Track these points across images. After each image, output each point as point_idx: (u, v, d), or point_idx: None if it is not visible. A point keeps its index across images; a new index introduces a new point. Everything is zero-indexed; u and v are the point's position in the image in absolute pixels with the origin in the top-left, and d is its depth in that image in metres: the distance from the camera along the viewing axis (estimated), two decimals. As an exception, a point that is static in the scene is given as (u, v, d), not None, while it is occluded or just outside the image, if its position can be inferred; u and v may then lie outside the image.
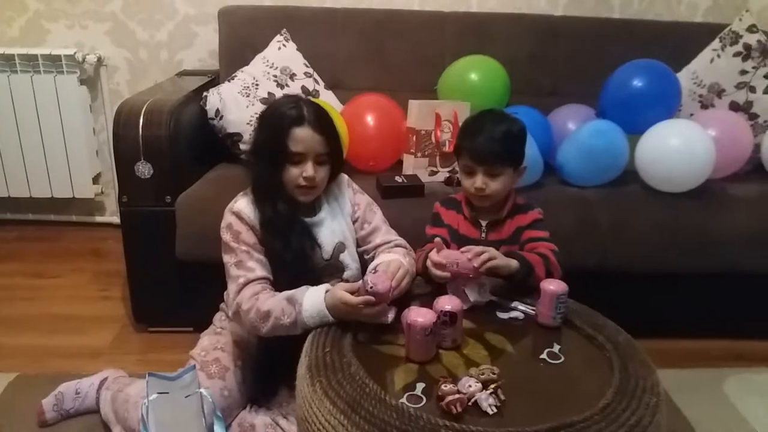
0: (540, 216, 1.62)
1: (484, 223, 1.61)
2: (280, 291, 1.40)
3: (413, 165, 2.09)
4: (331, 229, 1.53)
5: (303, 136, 1.41)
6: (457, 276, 1.40)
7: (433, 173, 2.10)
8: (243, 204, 1.45)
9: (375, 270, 1.38)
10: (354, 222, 1.59)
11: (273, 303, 1.36)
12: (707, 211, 1.94)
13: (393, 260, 1.42)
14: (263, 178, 1.46)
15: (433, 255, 1.43)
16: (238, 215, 1.44)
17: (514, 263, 1.44)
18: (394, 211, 1.84)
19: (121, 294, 2.26)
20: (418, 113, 2.07)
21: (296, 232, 1.47)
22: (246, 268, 1.41)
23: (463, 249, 1.43)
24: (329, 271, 1.52)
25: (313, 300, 1.33)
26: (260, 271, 1.42)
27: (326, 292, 1.34)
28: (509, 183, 1.58)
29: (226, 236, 1.45)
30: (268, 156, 1.44)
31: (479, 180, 1.54)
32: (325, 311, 1.31)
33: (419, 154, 2.09)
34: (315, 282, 1.40)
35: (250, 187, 1.49)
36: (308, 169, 1.43)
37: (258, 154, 1.48)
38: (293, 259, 1.44)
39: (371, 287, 1.26)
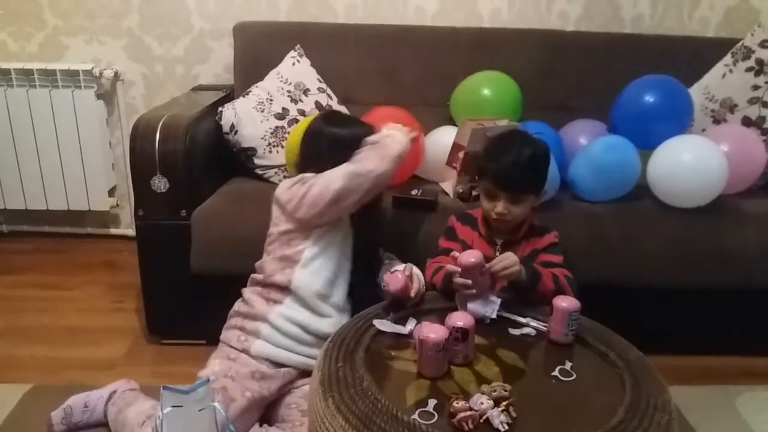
0: (556, 240, 1.63)
1: (499, 242, 1.62)
2: None
3: (454, 180, 2.07)
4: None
5: None
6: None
7: (472, 187, 2.06)
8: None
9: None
10: None
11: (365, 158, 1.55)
12: (719, 226, 1.94)
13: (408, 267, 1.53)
14: None
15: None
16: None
17: (521, 272, 1.47)
18: (406, 224, 1.86)
19: (134, 306, 2.28)
20: (471, 137, 1.99)
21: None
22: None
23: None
24: None
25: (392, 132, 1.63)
26: None
27: None
28: (530, 207, 1.58)
29: (305, 184, 1.53)
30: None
31: (501, 206, 1.55)
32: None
33: (463, 173, 2.05)
34: None
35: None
36: None
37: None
38: None
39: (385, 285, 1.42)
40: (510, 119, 2.12)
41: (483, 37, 2.48)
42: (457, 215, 1.72)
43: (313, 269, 1.56)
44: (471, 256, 1.43)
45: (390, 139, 1.58)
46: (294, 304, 1.55)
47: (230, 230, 1.86)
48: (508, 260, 1.45)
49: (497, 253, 1.60)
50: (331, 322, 1.55)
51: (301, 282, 1.54)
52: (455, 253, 1.47)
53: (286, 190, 1.56)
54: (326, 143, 1.60)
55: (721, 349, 2.05)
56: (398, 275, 1.44)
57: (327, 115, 1.71)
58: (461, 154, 2.05)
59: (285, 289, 1.55)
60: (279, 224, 1.59)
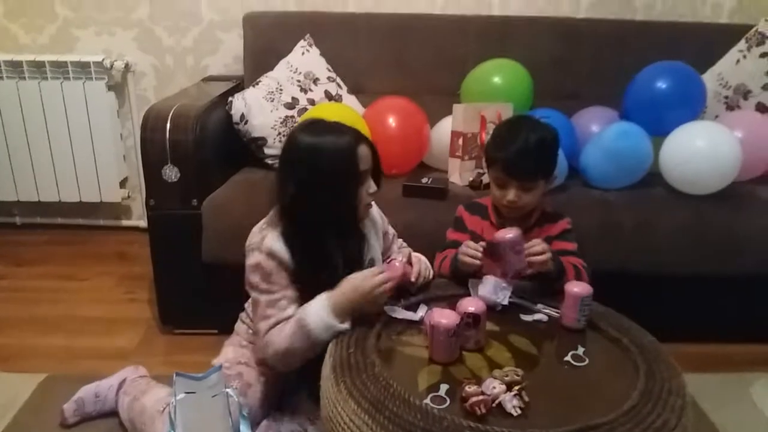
0: (569, 226, 1.62)
1: None
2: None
3: (459, 168, 2.09)
4: (369, 247, 1.54)
5: (365, 153, 1.39)
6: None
7: (480, 175, 2.09)
8: (274, 243, 1.38)
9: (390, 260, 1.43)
10: (383, 235, 1.63)
11: (287, 339, 1.35)
12: (733, 213, 1.92)
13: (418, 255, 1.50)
14: (333, 207, 1.38)
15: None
16: (272, 255, 1.37)
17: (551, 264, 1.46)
18: (415, 213, 1.86)
19: (147, 296, 2.30)
20: (464, 116, 2.06)
21: (355, 260, 1.46)
22: (278, 308, 1.38)
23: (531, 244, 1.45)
24: None
25: (315, 310, 1.33)
26: (291, 310, 1.38)
27: (326, 296, 1.35)
28: (541, 193, 1.57)
29: (254, 278, 1.39)
30: (339, 184, 1.37)
31: (512, 194, 1.54)
32: (329, 315, 1.31)
33: (466, 157, 2.09)
34: None
35: (289, 226, 1.40)
36: (371, 184, 1.43)
37: (321, 188, 1.36)
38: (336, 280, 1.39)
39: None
40: (513, 107, 2.12)
41: (493, 25, 2.46)
42: (465, 205, 1.71)
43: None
44: (509, 232, 1.42)
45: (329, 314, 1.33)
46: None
47: (241, 219, 1.84)
48: (541, 246, 1.45)
49: None
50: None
51: None
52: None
53: (247, 251, 1.43)
54: (299, 155, 1.38)
55: (736, 336, 2.04)
56: (395, 263, 1.40)
57: (306, 124, 1.44)
58: (460, 141, 2.05)
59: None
60: None
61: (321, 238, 1.39)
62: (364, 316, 1.35)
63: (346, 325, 1.32)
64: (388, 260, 1.45)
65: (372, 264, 1.52)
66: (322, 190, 1.36)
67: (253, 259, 1.40)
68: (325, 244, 1.39)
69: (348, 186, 1.38)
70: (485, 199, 1.69)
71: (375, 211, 1.59)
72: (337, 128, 1.40)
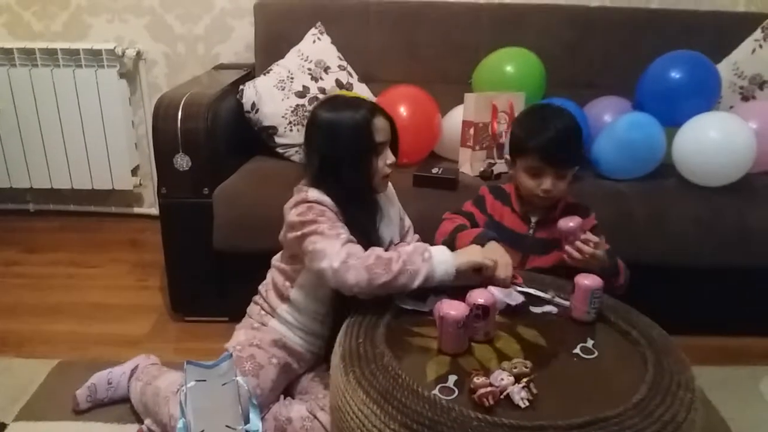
0: (595, 222, 1.62)
1: (534, 219, 1.60)
2: None
3: (470, 158, 2.09)
4: (388, 226, 1.58)
5: (381, 125, 1.46)
6: None
7: (491, 165, 2.09)
8: (316, 194, 1.42)
9: None
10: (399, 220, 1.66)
11: (394, 252, 1.36)
12: (746, 205, 1.90)
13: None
14: (353, 178, 1.44)
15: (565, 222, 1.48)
16: (318, 202, 1.41)
17: (606, 260, 1.49)
18: (426, 203, 1.86)
19: (158, 284, 2.31)
20: (475, 106, 2.05)
21: (375, 228, 1.51)
22: (340, 231, 1.38)
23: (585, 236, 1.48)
24: None
25: (440, 250, 1.37)
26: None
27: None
28: (569, 182, 1.57)
29: (308, 215, 1.39)
30: (356, 155, 1.43)
31: (548, 182, 1.53)
32: (452, 262, 1.34)
33: (477, 147, 2.08)
34: None
35: (334, 198, 1.43)
36: (389, 155, 1.48)
37: (341, 158, 1.43)
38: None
39: None
40: (525, 96, 2.11)
41: (505, 13, 2.45)
42: (490, 187, 1.70)
43: (308, 291, 1.52)
44: (570, 221, 1.47)
45: (445, 259, 1.36)
46: (294, 312, 1.55)
47: (252, 208, 1.87)
48: (599, 249, 1.47)
49: (531, 231, 1.60)
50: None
51: (298, 299, 1.53)
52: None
53: (290, 209, 1.45)
54: (320, 130, 1.46)
55: (747, 329, 2.03)
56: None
57: (326, 100, 1.54)
58: (472, 130, 2.04)
59: (286, 297, 1.54)
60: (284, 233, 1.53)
61: (347, 207, 1.44)
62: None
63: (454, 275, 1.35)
64: None
65: (391, 244, 1.55)
66: (342, 161, 1.43)
67: (299, 209, 1.42)
68: (352, 213, 1.44)
69: (365, 157, 1.45)
70: (508, 185, 1.67)
71: (394, 193, 1.65)
72: (354, 103, 1.48)
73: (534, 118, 1.58)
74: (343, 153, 1.43)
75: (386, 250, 1.46)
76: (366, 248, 1.37)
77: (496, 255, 1.41)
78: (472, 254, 1.39)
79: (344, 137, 1.43)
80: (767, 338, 2.02)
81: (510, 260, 1.43)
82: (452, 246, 1.50)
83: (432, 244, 1.44)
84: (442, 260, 1.34)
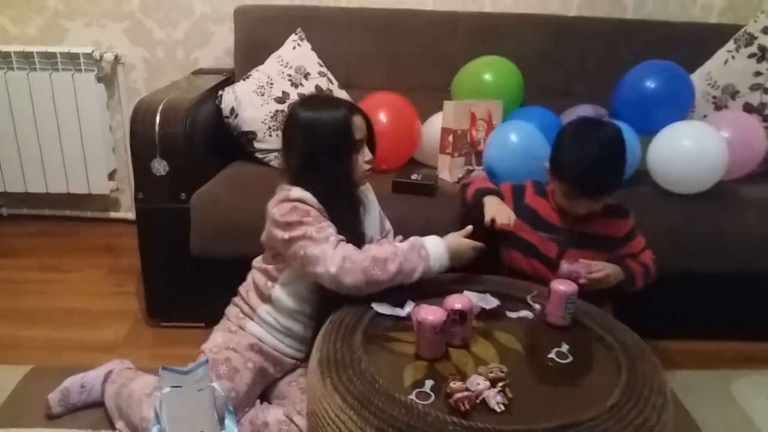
0: (633, 223, 1.65)
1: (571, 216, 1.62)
2: None
3: (449, 165, 2.10)
4: (368, 222, 1.61)
5: (360, 123, 1.51)
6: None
7: (469, 172, 2.11)
8: (300, 192, 1.43)
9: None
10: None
11: (390, 251, 1.39)
12: (719, 212, 1.94)
13: None
14: (335, 177, 1.47)
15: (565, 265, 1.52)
16: (302, 200, 1.42)
17: (620, 275, 1.54)
18: (405, 209, 1.86)
19: (134, 289, 2.29)
20: (454, 114, 2.07)
21: (359, 223, 1.55)
22: (330, 232, 1.41)
23: (587, 262, 1.51)
24: None
25: (435, 243, 1.44)
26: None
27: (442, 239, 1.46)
28: None
29: (293, 216, 1.40)
30: (336, 153, 1.47)
31: (582, 206, 1.55)
32: (447, 255, 1.43)
33: (456, 154, 2.09)
34: None
35: (316, 193, 1.44)
36: (367, 152, 1.53)
37: (321, 158, 1.45)
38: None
39: None
40: (503, 104, 2.13)
41: (484, 22, 2.47)
42: (533, 181, 1.71)
43: (290, 290, 1.52)
44: (567, 264, 1.51)
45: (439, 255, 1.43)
46: (275, 312, 1.54)
47: (230, 213, 1.86)
48: (600, 272, 1.50)
49: (568, 225, 1.62)
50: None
51: (280, 299, 1.53)
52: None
53: (272, 208, 1.46)
54: (301, 128, 1.48)
55: (718, 334, 2.06)
56: None
57: (304, 100, 1.59)
58: (451, 137, 2.06)
59: (267, 297, 1.54)
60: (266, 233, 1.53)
61: (330, 203, 1.46)
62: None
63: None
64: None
65: (371, 242, 1.56)
66: (323, 158, 1.46)
67: (283, 207, 1.43)
68: (336, 209, 1.47)
69: (346, 154, 1.48)
70: (549, 185, 1.66)
71: (372, 194, 1.69)
72: (333, 102, 1.54)
73: (572, 141, 1.52)
74: (324, 150, 1.46)
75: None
76: (353, 243, 1.42)
77: (491, 209, 1.56)
78: (460, 243, 1.47)
79: (325, 135, 1.46)
80: (737, 342, 2.06)
81: (508, 210, 1.56)
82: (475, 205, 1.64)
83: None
84: (437, 256, 1.41)
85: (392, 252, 1.38)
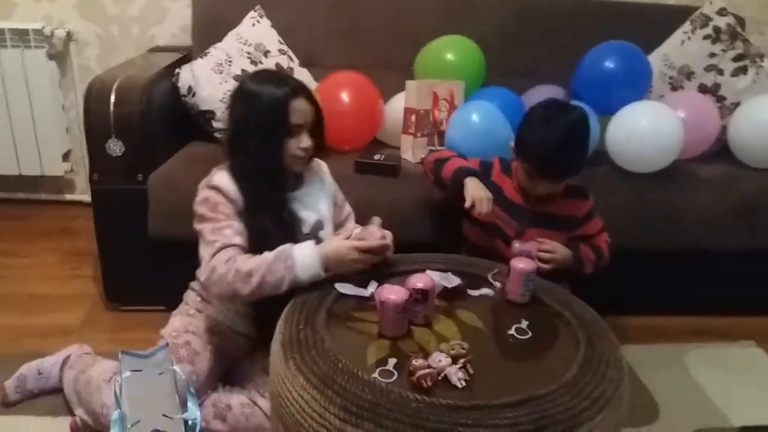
0: (592, 204, 1.67)
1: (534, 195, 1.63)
2: None
3: (412, 145, 2.09)
4: (312, 206, 1.55)
5: (301, 107, 1.43)
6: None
7: (432, 152, 2.09)
8: (222, 178, 1.42)
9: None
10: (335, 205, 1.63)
11: (255, 263, 1.35)
12: (674, 191, 1.99)
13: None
14: (260, 156, 1.42)
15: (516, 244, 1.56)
16: (218, 189, 1.41)
17: (569, 259, 1.59)
18: (367, 189, 1.86)
19: (92, 273, 2.24)
20: (417, 93, 2.06)
21: (283, 209, 1.48)
22: (223, 235, 1.39)
23: (539, 240, 1.56)
24: None
25: (304, 254, 1.35)
26: (237, 239, 1.39)
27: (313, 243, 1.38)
28: None
29: (201, 209, 1.42)
30: (267, 133, 1.41)
31: (543, 187, 1.57)
32: (317, 263, 1.34)
33: (418, 134, 2.09)
34: None
35: (233, 170, 1.43)
36: (305, 139, 1.44)
37: (251, 134, 1.42)
38: (279, 232, 1.43)
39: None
40: (465, 84, 2.13)
41: (448, 0, 2.45)
42: (500, 158, 1.71)
43: None
44: (519, 244, 1.54)
45: (323, 258, 1.36)
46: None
47: (188, 194, 1.78)
48: (549, 255, 1.55)
49: (530, 205, 1.64)
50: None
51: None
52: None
53: (199, 189, 1.46)
54: (240, 100, 1.44)
55: (671, 309, 2.13)
56: (374, 230, 1.42)
57: (256, 72, 1.54)
58: (413, 117, 2.06)
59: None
60: None
61: (254, 182, 1.42)
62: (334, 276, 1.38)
63: (324, 274, 1.36)
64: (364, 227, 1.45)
65: (319, 225, 1.54)
66: (252, 134, 1.42)
67: (201, 195, 1.44)
68: (260, 188, 1.43)
69: (275, 135, 1.42)
70: (514, 162, 1.66)
71: (327, 174, 1.64)
72: (280, 79, 1.46)
73: (539, 123, 1.52)
74: (255, 127, 1.41)
75: (312, 231, 1.51)
76: (279, 227, 1.41)
77: (473, 192, 1.53)
78: (339, 247, 1.38)
79: (259, 111, 1.41)
80: (691, 317, 2.13)
81: (489, 195, 1.53)
82: (446, 183, 1.65)
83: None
84: (306, 265, 1.35)
85: (257, 264, 1.34)
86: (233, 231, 1.40)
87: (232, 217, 1.41)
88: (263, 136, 1.41)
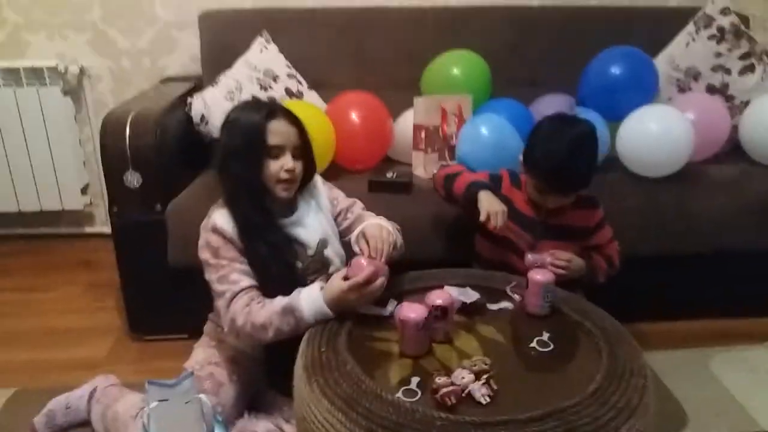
0: (602, 213, 1.68)
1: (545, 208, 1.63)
2: (269, 295, 1.42)
3: (423, 161, 2.11)
4: (312, 226, 1.54)
5: (279, 128, 1.44)
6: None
7: (443, 167, 2.10)
8: (219, 218, 1.43)
9: (350, 264, 1.41)
10: (337, 217, 1.62)
11: (267, 314, 1.37)
12: (688, 193, 1.98)
13: (373, 224, 1.50)
14: (243, 180, 1.44)
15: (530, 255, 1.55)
16: (216, 231, 1.42)
17: (583, 269, 1.58)
18: (382, 208, 1.87)
19: (115, 304, 2.27)
20: (425, 109, 2.09)
21: (278, 233, 1.48)
22: (230, 282, 1.41)
23: (551, 252, 1.55)
24: (314, 267, 1.52)
25: (311, 302, 1.35)
26: (245, 281, 1.41)
27: (321, 289, 1.37)
28: None
29: (205, 255, 1.45)
30: (246, 156, 1.43)
31: (552, 201, 1.58)
32: (325, 309, 1.34)
33: (429, 150, 2.11)
34: (302, 282, 1.43)
35: (224, 198, 1.47)
36: (288, 161, 1.44)
37: (232, 159, 1.44)
38: (278, 261, 1.45)
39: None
40: (472, 98, 2.15)
41: (450, 16, 2.48)
42: (510, 171, 1.71)
43: None
44: (531, 256, 1.54)
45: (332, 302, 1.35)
46: None
47: None
48: (564, 263, 1.54)
49: (542, 217, 1.64)
50: None
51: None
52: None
53: (201, 230, 1.49)
54: (224, 126, 1.49)
55: (694, 313, 2.11)
56: (361, 262, 1.37)
57: (244, 102, 1.56)
58: (423, 134, 2.08)
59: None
60: None
61: (241, 206, 1.44)
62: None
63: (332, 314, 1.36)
64: (350, 265, 1.40)
65: (324, 244, 1.54)
66: (234, 158, 1.44)
67: (202, 239, 1.47)
68: (247, 212, 1.44)
69: (253, 157, 1.43)
70: (524, 175, 1.67)
71: (319, 187, 1.62)
72: (260, 105, 1.49)
73: (545, 138, 1.53)
74: (235, 151, 1.44)
75: (317, 251, 1.52)
76: (271, 256, 1.43)
77: (488, 206, 1.52)
78: (335, 292, 1.35)
79: (237, 136, 1.44)
80: (713, 320, 2.11)
81: (503, 208, 1.53)
82: (459, 200, 1.65)
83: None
84: (315, 311, 1.35)
85: (268, 318, 1.37)
86: (239, 273, 1.42)
87: (236, 259, 1.43)
88: (243, 158, 1.43)
